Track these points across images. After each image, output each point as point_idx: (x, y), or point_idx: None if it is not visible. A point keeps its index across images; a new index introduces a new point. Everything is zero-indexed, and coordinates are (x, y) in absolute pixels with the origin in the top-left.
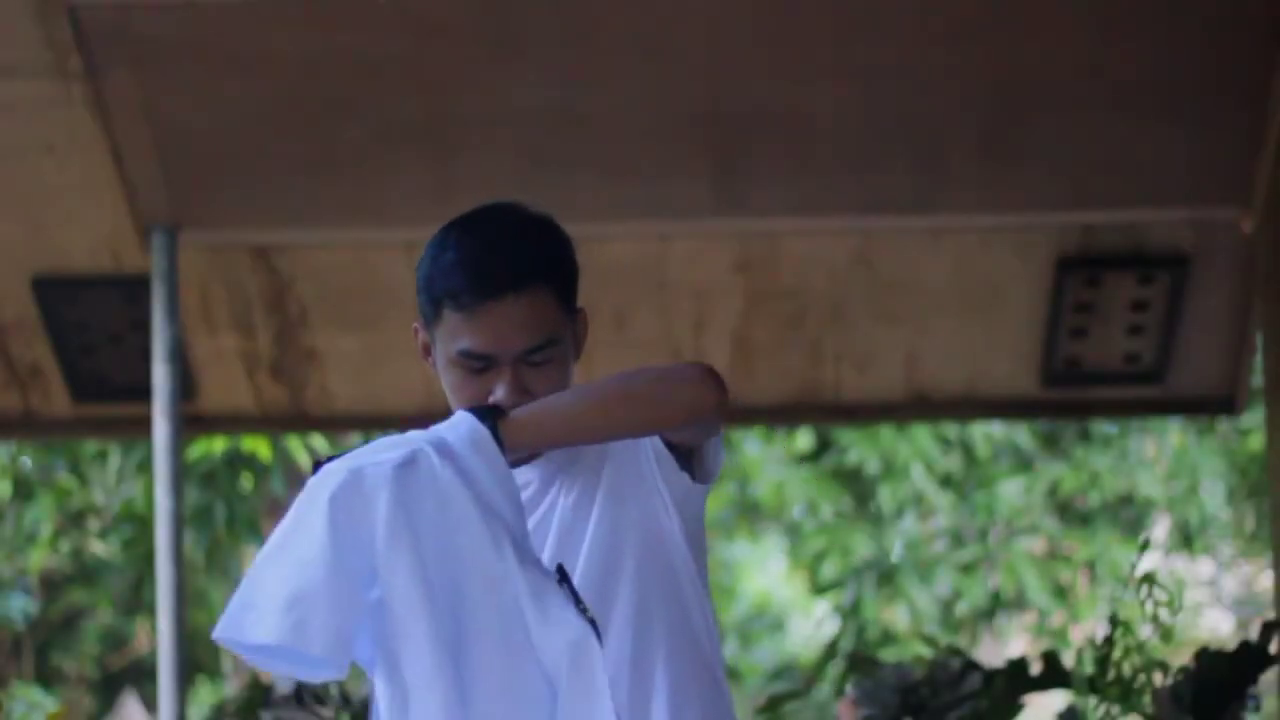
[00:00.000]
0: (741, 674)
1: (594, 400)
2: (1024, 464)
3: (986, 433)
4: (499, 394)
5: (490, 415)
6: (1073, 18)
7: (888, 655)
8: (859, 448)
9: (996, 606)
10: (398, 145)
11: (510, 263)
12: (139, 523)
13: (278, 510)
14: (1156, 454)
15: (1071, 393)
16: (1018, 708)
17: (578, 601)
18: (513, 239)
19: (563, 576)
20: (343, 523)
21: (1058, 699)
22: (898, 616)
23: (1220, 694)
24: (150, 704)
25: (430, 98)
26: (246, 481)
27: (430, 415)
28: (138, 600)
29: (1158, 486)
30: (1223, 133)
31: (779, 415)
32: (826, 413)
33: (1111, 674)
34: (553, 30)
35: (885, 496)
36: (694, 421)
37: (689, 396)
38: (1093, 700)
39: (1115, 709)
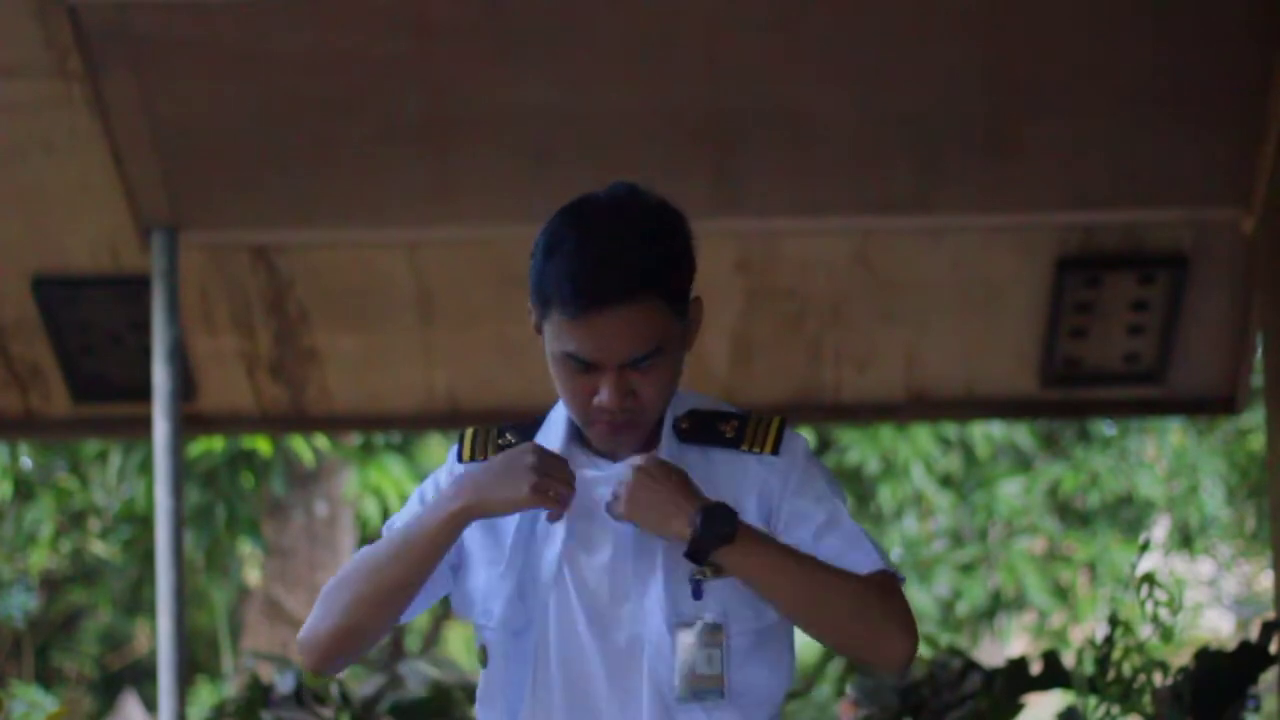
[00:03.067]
0: None
1: (821, 580)
2: (1024, 464)
3: (986, 433)
4: (603, 397)
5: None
6: (1073, 18)
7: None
8: (859, 447)
9: (997, 606)
10: (398, 145)
11: (620, 274)
12: (139, 523)
13: (278, 510)
14: (1156, 454)
15: (1071, 393)
16: (1018, 708)
17: None
18: (625, 245)
19: None
20: None
21: (1058, 699)
22: None
23: (1220, 694)
24: (150, 704)
25: (430, 98)
26: (247, 481)
27: (430, 415)
28: (138, 600)
29: (1158, 487)
30: (1223, 133)
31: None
32: (826, 412)
33: (1111, 674)
34: (553, 30)
35: (885, 496)
36: (884, 669)
37: (900, 652)
38: (1093, 700)
39: (1115, 709)
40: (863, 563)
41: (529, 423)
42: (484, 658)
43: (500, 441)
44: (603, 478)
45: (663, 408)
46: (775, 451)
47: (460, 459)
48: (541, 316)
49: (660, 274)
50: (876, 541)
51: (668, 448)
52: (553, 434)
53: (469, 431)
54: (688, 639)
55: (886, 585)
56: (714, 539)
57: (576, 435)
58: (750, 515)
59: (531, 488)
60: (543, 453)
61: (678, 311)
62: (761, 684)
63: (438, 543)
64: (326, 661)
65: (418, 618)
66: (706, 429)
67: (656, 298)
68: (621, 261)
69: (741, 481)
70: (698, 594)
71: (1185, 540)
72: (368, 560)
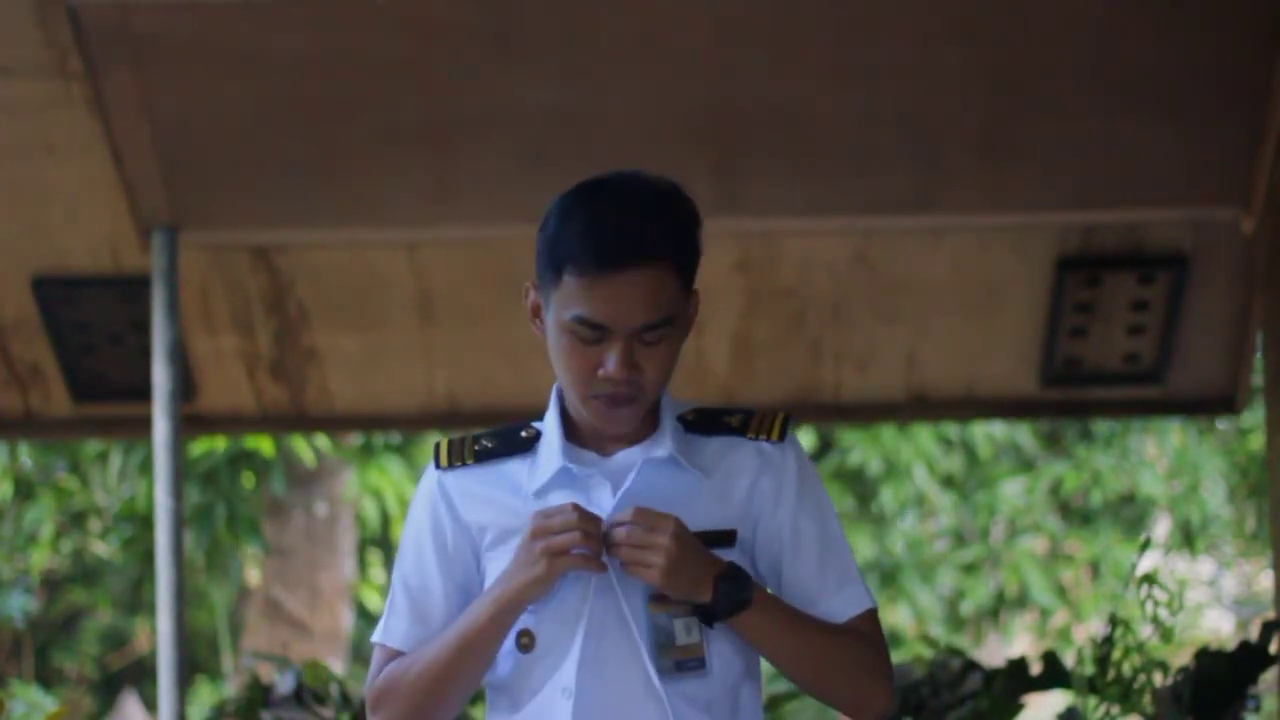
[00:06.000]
0: None
1: (819, 644)
2: (1025, 464)
3: (988, 433)
4: (609, 366)
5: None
6: (1073, 17)
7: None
8: (861, 448)
9: (999, 606)
10: (398, 145)
11: (639, 235)
12: (139, 523)
13: (278, 510)
14: (1157, 453)
15: (1071, 393)
16: (1018, 708)
17: None
18: (644, 211)
19: None
20: None
21: (1058, 699)
22: (900, 617)
23: (1220, 694)
24: (150, 704)
25: (430, 98)
26: (247, 481)
27: (430, 415)
28: (138, 600)
29: (1159, 486)
30: (1223, 133)
31: None
32: (826, 413)
33: (1111, 674)
34: (553, 30)
35: (887, 497)
36: None
37: (880, 707)
38: (1093, 700)
39: (1115, 709)
40: (852, 602)
41: (507, 428)
42: (531, 642)
43: (477, 448)
44: (591, 473)
45: (661, 389)
46: (781, 438)
47: (439, 465)
48: (550, 284)
49: (675, 244)
50: (857, 566)
51: (674, 438)
52: (548, 433)
53: (443, 441)
54: (664, 610)
55: (873, 635)
56: (733, 605)
57: (567, 429)
58: (739, 496)
59: (547, 570)
60: (542, 518)
61: (686, 289)
62: (737, 654)
63: (491, 637)
64: None
65: None
66: (712, 421)
67: (671, 267)
68: (641, 226)
69: (738, 463)
70: None
71: (1186, 540)
72: (418, 672)
